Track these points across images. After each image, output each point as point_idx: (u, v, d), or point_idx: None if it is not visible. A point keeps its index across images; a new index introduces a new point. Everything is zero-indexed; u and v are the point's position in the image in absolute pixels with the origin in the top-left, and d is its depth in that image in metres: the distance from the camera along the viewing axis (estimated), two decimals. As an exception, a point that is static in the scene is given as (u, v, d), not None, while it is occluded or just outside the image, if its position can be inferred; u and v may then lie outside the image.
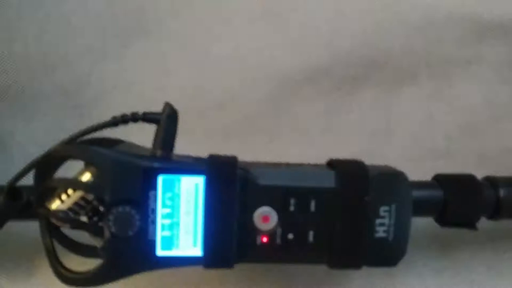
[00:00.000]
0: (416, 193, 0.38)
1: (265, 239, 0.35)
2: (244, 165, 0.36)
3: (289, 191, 0.35)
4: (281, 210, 0.35)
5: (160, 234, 0.34)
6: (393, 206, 0.36)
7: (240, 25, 0.51)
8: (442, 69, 0.51)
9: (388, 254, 0.37)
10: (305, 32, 0.51)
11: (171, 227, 0.34)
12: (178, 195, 0.34)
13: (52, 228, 0.35)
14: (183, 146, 0.49)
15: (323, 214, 0.35)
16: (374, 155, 0.48)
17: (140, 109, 0.44)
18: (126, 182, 0.33)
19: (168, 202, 0.34)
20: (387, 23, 0.50)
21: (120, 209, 0.32)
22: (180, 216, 0.34)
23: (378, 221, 0.36)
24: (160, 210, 0.34)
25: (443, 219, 0.40)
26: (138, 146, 0.37)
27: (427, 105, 0.51)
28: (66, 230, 0.37)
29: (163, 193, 0.34)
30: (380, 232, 0.36)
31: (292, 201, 0.35)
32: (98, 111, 0.50)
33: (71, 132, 0.36)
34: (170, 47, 0.51)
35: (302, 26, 0.51)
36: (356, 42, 0.50)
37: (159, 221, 0.34)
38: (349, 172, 0.36)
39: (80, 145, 0.36)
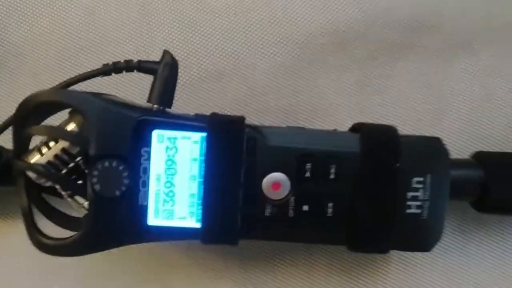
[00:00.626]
0: (451, 173, 0.39)
1: (275, 210, 0.36)
2: (253, 126, 0.37)
3: (305, 155, 0.36)
4: (295, 176, 0.36)
5: (152, 199, 0.35)
6: (428, 178, 0.37)
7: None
8: (504, 36, 0.51)
9: (420, 236, 0.38)
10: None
11: (166, 192, 0.35)
12: (175, 155, 0.35)
13: (30, 189, 0.36)
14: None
15: (345, 183, 0.36)
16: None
17: (116, 78, 0.46)
18: (115, 134, 0.34)
19: (163, 162, 0.35)
20: (438, -25, 0.50)
21: (106, 163, 0.34)
22: (177, 179, 0.35)
23: (410, 194, 0.37)
24: (154, 171, 0.35)
25: (483, 205, 0.41)
26: (129, 101, 0.38)
27: (484, 81, 0.51)
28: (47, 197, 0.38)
29: (158, 151, 0.35)
30: (413, 208, 0.37)
31: (309, 166, 0.36)
32: (65, 72, 0.50)
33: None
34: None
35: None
36: (397, -1, 0.51)
37: (152, 183, 0.35)
38: (377, 136, 0.37)
39: (65, 90, 0.37)
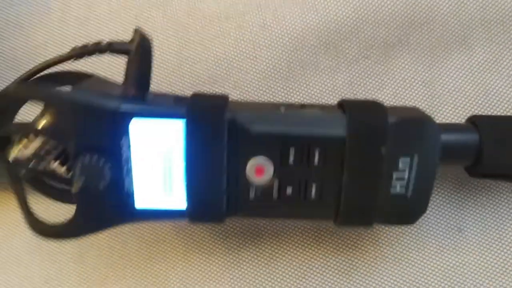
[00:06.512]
0: (444, 137, 0.38)
1: (259, 193, 0.37)
2: (236, 106, 0.37)
3: (288, 140, 0.36)
4: (279, 161, 0.36)
5: (138, 185, 0.36)
6: (415, 157, 0.36)
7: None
8: (501, 29, 0.50)
9: (405, 211, 0.38)
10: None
11: (150, 177, 0.36)
12: (156, 141, 0.35)
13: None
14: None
15: (330, 166, 0.36)
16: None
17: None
18: (92, 127, 0.35)
19: (144, 149, 0.35)
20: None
21: (87, 158, 0.34)
22: (160, 164, 0.36)
23: (395, 174, 0.37)
24: (136, 158, 0.36)
25: (477, 169, 0.41)
26: (109, 83, 0.38)
27: (480, 77, 0.50)
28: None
29: (138, 139, 0.35)
30: (397, 188, 0.37)
31: (292, 151, 0.36)
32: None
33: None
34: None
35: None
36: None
37: (136, 170, 0.36)
38: (363, 119, 0.37)
39: (34, 85, 0.37)
